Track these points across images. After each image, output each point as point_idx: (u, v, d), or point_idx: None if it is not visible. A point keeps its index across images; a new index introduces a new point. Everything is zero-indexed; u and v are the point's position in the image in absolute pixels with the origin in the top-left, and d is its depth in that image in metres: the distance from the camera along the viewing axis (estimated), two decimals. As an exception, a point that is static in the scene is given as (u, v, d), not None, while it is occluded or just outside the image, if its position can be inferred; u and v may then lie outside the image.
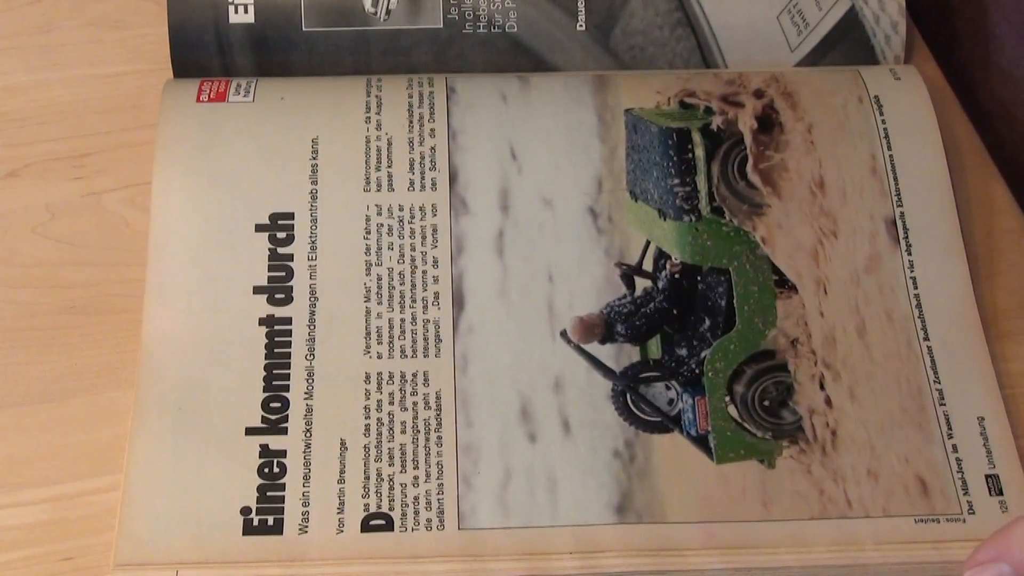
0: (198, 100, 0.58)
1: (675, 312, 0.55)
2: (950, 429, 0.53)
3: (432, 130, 0.58)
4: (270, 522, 0.50)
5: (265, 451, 0.51)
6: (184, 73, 0.61)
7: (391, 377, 0.53)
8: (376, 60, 0.62)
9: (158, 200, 0.56)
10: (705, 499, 0.51)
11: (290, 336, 0.53)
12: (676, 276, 0.56)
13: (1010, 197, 0.62)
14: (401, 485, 0.51)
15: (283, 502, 0.50)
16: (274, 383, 0.53)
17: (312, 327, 0.54)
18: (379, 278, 0.55)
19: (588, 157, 0.57)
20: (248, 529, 0.50)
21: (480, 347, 0.54)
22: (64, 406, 0.54)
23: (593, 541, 0.50)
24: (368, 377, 0.53)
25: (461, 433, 0.52)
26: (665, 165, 0.57)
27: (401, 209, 0.56)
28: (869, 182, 0.58)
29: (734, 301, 0.55)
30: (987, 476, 0.52)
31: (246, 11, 0.61)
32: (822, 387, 0.54)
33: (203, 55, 0.61)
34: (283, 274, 0.55)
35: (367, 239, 0.55)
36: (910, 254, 0.57)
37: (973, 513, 0.51)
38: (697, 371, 0.54)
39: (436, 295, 0.55)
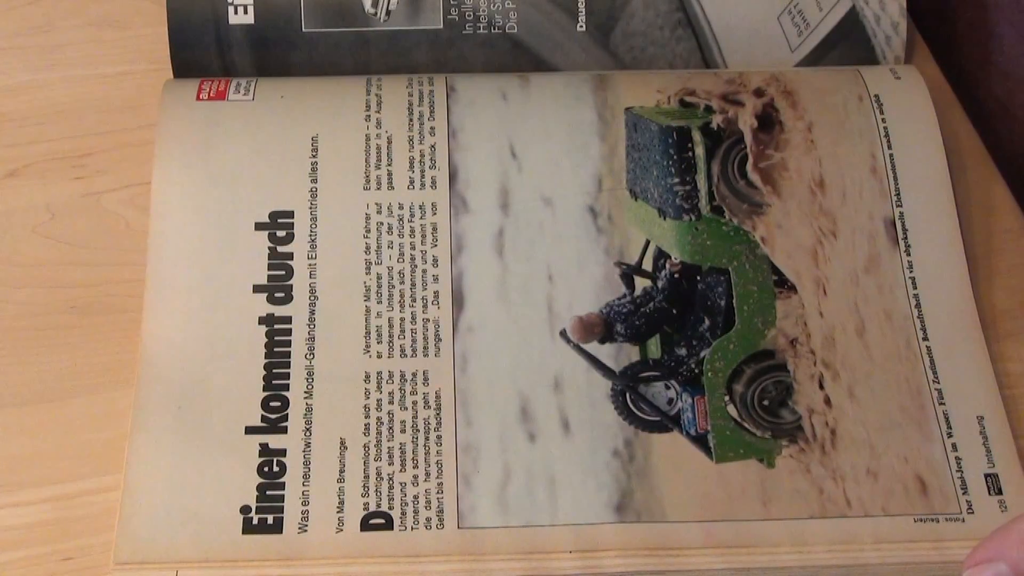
0: (198, 99, 0.58)
1: (675, 312, 0.55)
2: (949, 428, 0.53)
3: (432, 128, 0.58)
4: (270, 521, 0.50)
5: (265, 450, 0.51)
6: (184, 73, 0.61)
7: (391, 376, 0.53)
8: (376, 61, 0.62)
9: (158, 199, 0.56)
10: (704, 498, 0.51)
11: (290, 335, 0.53)
12: (676, 275, 0.56)
13: (1010, 197, 0.62)
14: (401, 484, 0.51)
15: (283, 501, 0.50)
16: (274, 382, 0.53)
17: (312, 326, 0.54)
18: (379, 277, 0.55)
19: (588, 156, 0.57)
20: (248, 528, 0.50)
21: (480, 346, 0.54)
22: (64, 406, 0.54)
23: (593, 540, 0.50)
24: (368, 376, 0.53)
25: (461, 432, 0.52)
26: (665, 164, 0.57)
27: (401, 208, 0.56)
28: (869, 182, 0.58)
29: (733, 301, 0.55)
30: (986, 475, 0.52)
31: (246, 12, 0.61)
32: (821, 387, 0.54)
33: (203, 55, 0.61)
34: (283, 273, 0.55)
35: (367, 238, 0.55)
36: (909, 254, 0.57)
37: (972, 512, 0.51)
38: (696, 370, 0.54)
39: (436, 294, 0.55)
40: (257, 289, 0.54)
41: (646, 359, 0.54)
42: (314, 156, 0.57)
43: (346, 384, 0.53)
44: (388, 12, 0.62)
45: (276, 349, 0.53)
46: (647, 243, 0.56)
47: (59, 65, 0.65)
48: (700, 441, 0.52)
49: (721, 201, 0.57)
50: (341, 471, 0.51)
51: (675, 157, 0.57)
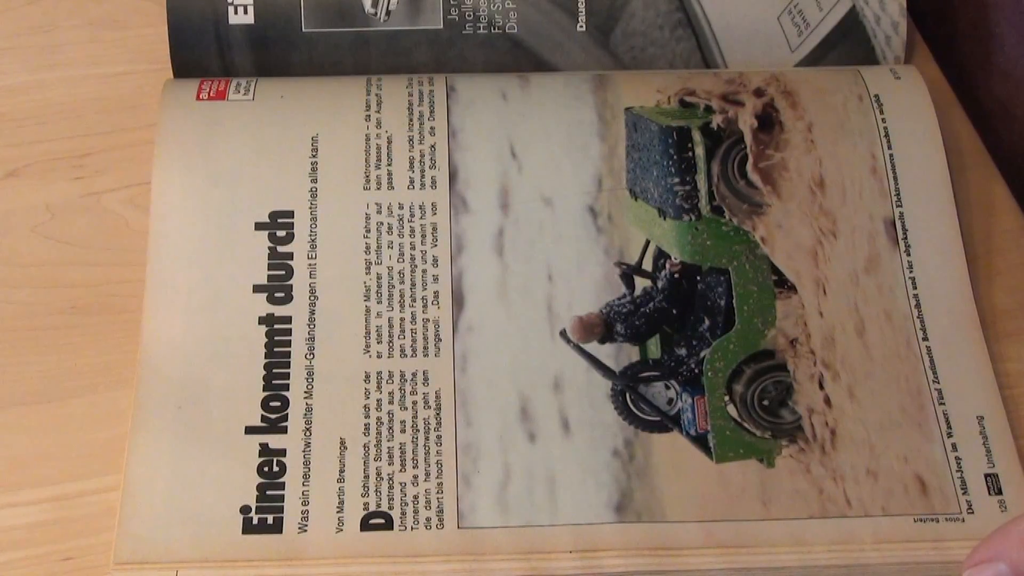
0: (198, 98, 0.58)
1: (674, 312, 0.55)
2: (949, 428, 0.53)
3: (432, 128, 0.58)
4: (270, 521, 0.50)
5: (265, 450, 0.51)
6: (184, 73, 0.61)
7: (391, 376, 0.53)
8: (376, 61, 0.62)
9: (158, 199, 0.56)
10: (704, 498, 0.51)
11: (290, 335, 0.53)
12: (676, 276, 0.56)
13: (1010, 197, 0.62)
14: (400, 484, 0.51)
15: (283, 501, 0.50)
16: (274, 382, 0.53)
17: (312, 326, 0.54)
18: (379, 277, 0.55)
19: (588, 156, 0.57)
20: (248, 528, 0.50)
21: (480, 346, 0.54)
22: (64, 406, 0.54)
23: (593, 540, 0.50)
24: (368, 376, 0.53)
25: (461, 432, 0.52)
26: (665, 164, 0.57)
27: (401, 207, 0.56)
28: (869, 182, 0.58)
29: (733, 301, 0.55)
30: (986, 475, 0.52)
31: (246, 12, 0.61)
32: (821, 387, 0.54)
33: (203, 55, 0.61)
34: (283, 273, 0.55)
35: (367, 237, 0.55)
36: (909, 254, 0.57)
37: (972, 512, 0.51)
38: (696, 371, 0.54)
39: (436, 294, 0.55)
40: (257, 289, 0.54)
41: (646, 359, 0.54)
42: (314, 156, 0.57)
43: (346, 384, 0.53)
44: (388, 12, 0.62)
45: (276, 349, 0.53)
46: (647, 243, 0.56)
47: (59, 65, 0.65)
48: (700, 441, 0.52)
49: (721, 201, 0.57)
50: (341, 471, 0.51)
51: (675, 157, 0.57)
